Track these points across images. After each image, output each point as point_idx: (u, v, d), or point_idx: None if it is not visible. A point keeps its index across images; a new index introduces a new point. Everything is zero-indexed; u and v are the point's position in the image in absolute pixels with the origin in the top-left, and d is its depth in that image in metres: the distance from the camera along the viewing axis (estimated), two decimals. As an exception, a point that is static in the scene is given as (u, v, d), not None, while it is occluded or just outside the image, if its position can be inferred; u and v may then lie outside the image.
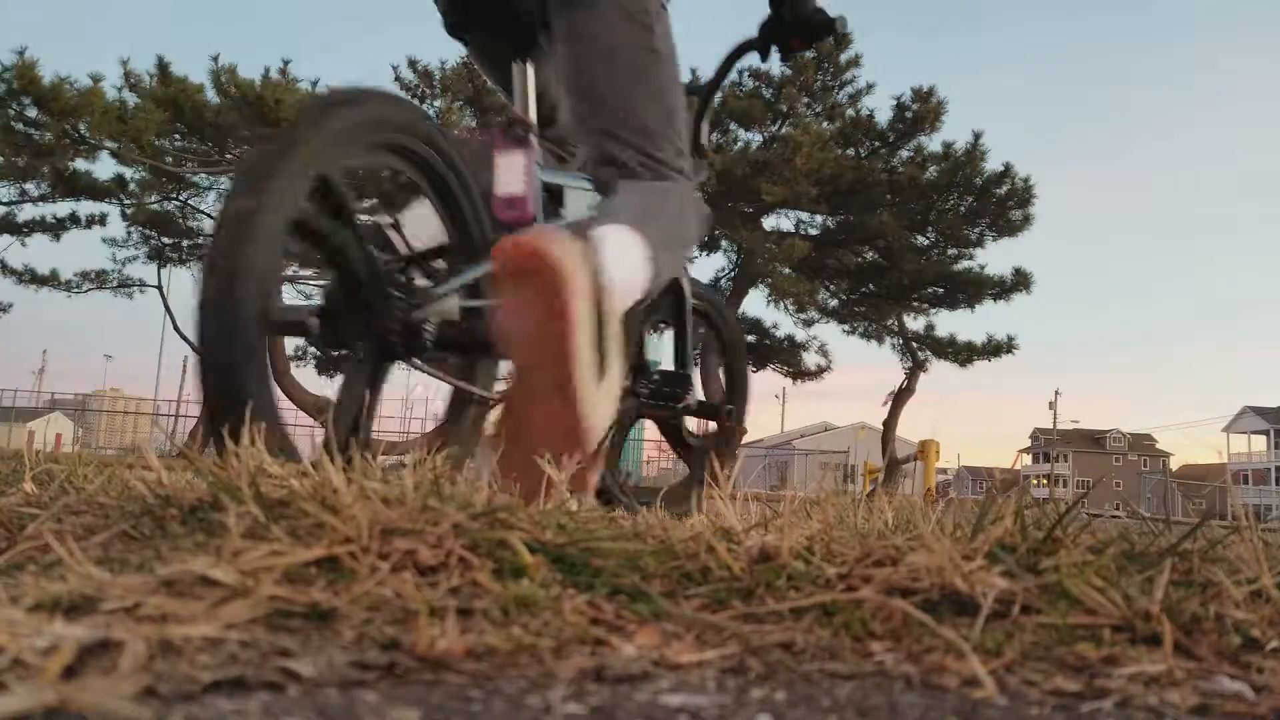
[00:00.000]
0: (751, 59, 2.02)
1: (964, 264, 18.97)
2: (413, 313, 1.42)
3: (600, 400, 1.26)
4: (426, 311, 1.43)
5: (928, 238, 19.01)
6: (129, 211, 19.16)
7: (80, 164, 18.04)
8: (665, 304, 2.09)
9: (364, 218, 1.39)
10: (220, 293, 1.14)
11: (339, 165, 1.31)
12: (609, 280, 1.27)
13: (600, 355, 1.27)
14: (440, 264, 1.58)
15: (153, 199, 19.34)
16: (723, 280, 20.60)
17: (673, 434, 2.37)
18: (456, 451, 1.60)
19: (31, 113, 16.21)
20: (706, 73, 2.17)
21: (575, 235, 1.25)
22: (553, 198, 1.73)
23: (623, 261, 1.33)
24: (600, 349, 1.27)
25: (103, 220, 19.76)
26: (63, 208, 19.21)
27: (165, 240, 20.10)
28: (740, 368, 2.54)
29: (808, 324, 20.41)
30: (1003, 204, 18.09)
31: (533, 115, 1.65)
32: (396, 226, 1.49)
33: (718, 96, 2.19)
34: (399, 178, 1.40)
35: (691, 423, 2.38)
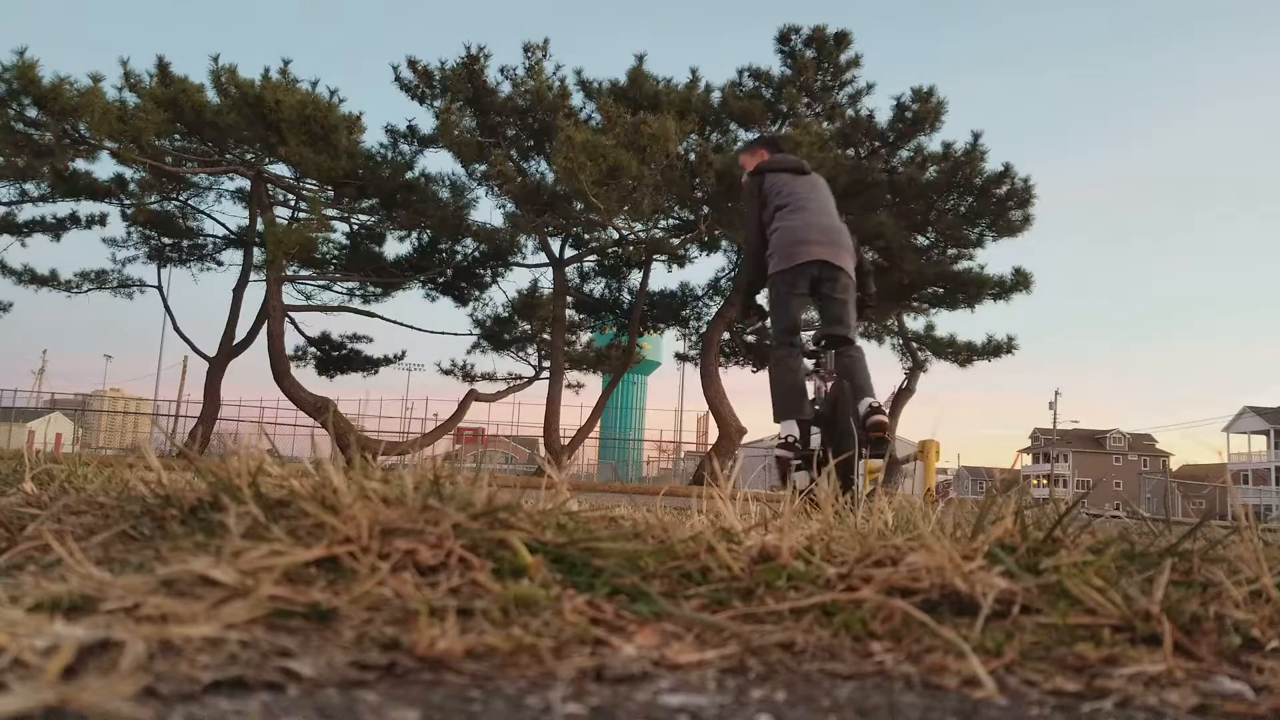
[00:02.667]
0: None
1: (964, 264, 18.99)
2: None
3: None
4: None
5: (928, 238, 19.01)
6: (129, 211, 19.16)
7: (80, 164, 18.05)
8: None
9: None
10: (844, 418, 4.43)
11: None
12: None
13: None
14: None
15: (153, 199, 19.34)
16: (722, 280, 20.61)
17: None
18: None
19: (31, 113, 16.20)
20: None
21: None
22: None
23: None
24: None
25: (103, 220, 19.79)
26: (63, 208, 19.25)
27: (165, 240, 20.11)
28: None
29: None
30: (1003, 204, 18.09)
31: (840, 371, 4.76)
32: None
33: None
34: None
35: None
